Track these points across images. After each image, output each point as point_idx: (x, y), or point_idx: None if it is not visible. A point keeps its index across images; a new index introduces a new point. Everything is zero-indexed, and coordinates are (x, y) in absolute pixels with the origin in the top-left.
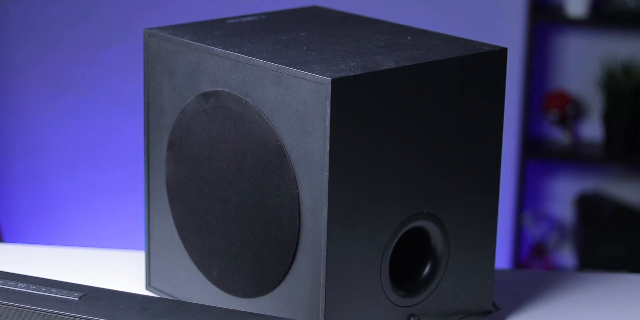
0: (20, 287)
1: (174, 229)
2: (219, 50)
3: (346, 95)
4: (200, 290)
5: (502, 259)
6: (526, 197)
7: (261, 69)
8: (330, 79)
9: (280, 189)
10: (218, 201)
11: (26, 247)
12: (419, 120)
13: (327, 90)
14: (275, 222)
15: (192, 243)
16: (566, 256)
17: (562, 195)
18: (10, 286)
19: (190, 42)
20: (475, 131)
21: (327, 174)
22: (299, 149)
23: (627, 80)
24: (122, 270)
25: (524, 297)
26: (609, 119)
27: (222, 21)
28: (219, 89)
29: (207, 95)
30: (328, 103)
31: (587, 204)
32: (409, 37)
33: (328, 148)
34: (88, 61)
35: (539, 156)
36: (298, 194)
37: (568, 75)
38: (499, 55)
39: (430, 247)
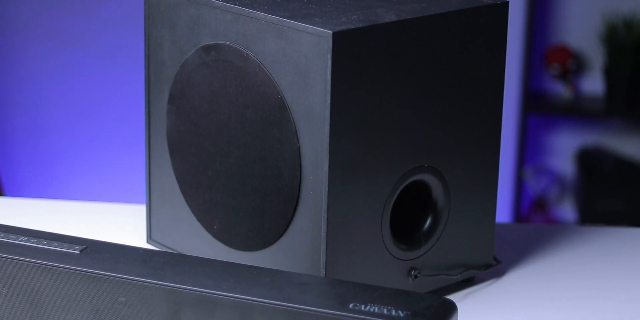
0: (21, 241)
1: (175, 183)
2: (219, 3)
3: (347, 48)
4: (201, 244)
5: (503, 212)
6: (527, 151)
7: (262, 22)
8: (331, 32)
9: (281, 142)
10: (219, 155)
11: (27, 201)
12: (420, 73)
13: (328, 43)
14: (276, 176)
15: (193, 196)
16: (566, 210)
17: (563, 149)
18: (12, 240)
19: None
20: (477, 85)
21: (328, 127)
22: (300, 102)
23: (628, 34)
24: (123, 224)
25: (525, 250)
26: (610, 73)
27: None
28: (220, 42)
29: (207, 49)
30: (329, 56)
31: (587, 158)
32: None
33: (329, 101)
34: (89, 15)
35: (540, 110)
36: (299, 147)
37: (569, 29)
38: (501, 8)
39: (431, 201)
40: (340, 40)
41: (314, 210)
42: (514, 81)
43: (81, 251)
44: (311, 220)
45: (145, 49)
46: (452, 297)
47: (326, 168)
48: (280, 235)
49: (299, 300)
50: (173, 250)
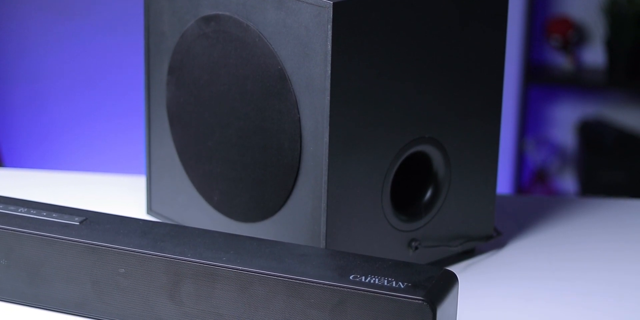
0: (21, 212)
1: (175, 154)
2: None
3: (348, 19)
4: (201, 215)
5: (504, 184)
6: (528, 123)
7: None
8: (332, 2)
9: (281, 113)
10: (219, 126)
11: (27, 172)
12: (421, 44)
13: (329, 13)
14: (277, 147)
15: (193, 168)
16: (567, 182)
17: (564, 121)
18: (11, 211)
19: None
20: (478, 56)
21: (328, 98)
22: (300, 73)
23: (630, 5)
24: (123, 195)
25: (526, 222)
26: (612, 44)
27: None
28: (220, 13)
29: (207, 19)
30: (329, 27)
31: (589, 130)
32: None
33: (329, 72)
34: None
35: (541, 82)
36: (299, 118)
37: (570, 0)
38: None
39: (431, 172)
40: (341, 11)
41: (314, 182)
42: (515, 52)
43: (81, 222)
44: (311, 191)
45: (145, 20)
46: (453, 268)
47: (326, 139)
48: (281, 207)
49: (299, 271)
50: (173, 221)
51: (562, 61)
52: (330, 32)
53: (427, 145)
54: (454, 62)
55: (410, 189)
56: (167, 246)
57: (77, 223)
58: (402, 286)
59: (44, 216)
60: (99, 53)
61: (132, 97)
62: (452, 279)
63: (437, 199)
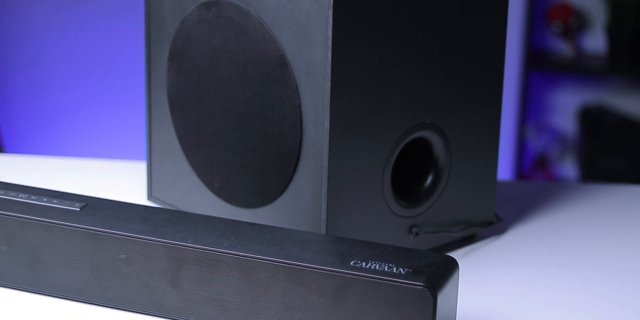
0: (22, 198)
1: (176, 140)
2: None
3: (348, 5)
4: (202, 201)
5: (505, 170)
6: (529, 109)
7: None
8: None
9: (281, 99)
10: (219, 111)
11: (27, 158)
12: (421, 29)
13: None
14: (277, 133)
15: (193, 153)
16: (568, 168)
17: (565, 107)
18: (12, 197)
19: None
20: (479, 42)
21: (328, 83)
22: (301, 59)
23: None
24: (123, 181)
25: (526, 208)
26: (613, 30)
27: None
28: None
29: (208, 5)
30: (330, 12)
31: (590, 116)
32: None
33: (330, 58)
34: None
35: (541, 68)
36: (300, 104)
37: None
38: None
39: (432, 158)
40: None
41: (314, 167)
42: (516, 38)
43: (81, 208)
44: (312, 177)
45: (145, 6)
46: (453, 254)
47: (327, 125)
48: (281, 192)
49: (300, 257)
50: (174, 207)
51: (562, 47)
52: (330, 18)
53: (427, 131)
54: (455, 47)
55: (411, 175)
56: (167, 232)
57: (78, 209)
58: (403, 272)
59: (45, 202)
60: (99, 39)
61: (132, 83)
62: (452, 265)
63: (438, 184)
